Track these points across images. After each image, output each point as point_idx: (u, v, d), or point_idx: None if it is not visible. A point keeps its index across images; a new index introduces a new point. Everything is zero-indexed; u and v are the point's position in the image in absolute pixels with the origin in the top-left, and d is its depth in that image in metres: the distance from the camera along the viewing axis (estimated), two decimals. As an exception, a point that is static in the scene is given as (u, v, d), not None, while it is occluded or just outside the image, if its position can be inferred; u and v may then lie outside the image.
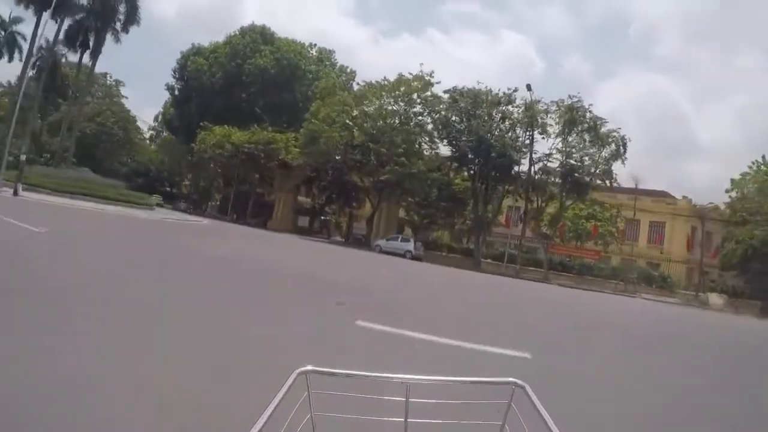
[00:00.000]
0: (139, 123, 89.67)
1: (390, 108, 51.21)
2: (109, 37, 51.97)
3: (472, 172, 49.31)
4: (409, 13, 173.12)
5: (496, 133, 46.57)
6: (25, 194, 28.93)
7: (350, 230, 59.72)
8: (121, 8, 50.33)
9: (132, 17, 50.80)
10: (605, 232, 52.56)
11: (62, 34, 52.21)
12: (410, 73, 50.74)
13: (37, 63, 75.02)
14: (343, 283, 14.57)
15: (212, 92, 67.99)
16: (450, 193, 50.49)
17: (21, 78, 49.42)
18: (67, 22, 51.15)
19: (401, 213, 58.02)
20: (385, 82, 51.08)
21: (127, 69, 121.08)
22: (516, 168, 48.23)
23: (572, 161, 45.68)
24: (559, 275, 44.49)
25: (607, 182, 46.94)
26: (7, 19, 65.13)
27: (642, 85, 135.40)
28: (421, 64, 57.84)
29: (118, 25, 51.54)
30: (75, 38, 52.63)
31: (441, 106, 49.74)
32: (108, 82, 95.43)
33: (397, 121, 51.42)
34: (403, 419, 1.48)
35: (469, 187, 51.51)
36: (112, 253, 12.71)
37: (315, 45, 77.09)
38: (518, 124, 48.17)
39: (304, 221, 63.01)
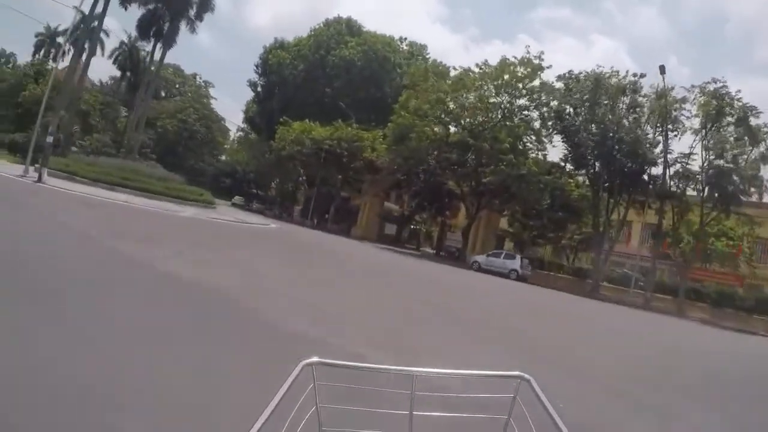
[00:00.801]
0: (227, 124, 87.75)
1: (492, 100, 43.61)
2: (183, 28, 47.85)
3: (591, 175, 40.92)
4: (500, 19, 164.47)
5: (625, 125, 37.97)
6: (53, 181, 24.53)
7: (442, 242, 52.31)
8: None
9: (206, 4, 46.20)
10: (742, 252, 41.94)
11: (135, 25, 48.55)
12: (514, 57, 42.99)
13: (119, 57, 74.38)
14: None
15: (294, 86, 62.95)
16: (565, 200, 42.21)
17: (85, 64, 46.23)
18: (139, 12, 47.59)
19: (501, 224, 50.30)
20: (486, 68, 43.53)
21: (222, 78, 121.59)
22: (648, 171, 39.48)
23: (722, 163, 36.19)
24: (693, 305, 36.03)
25: (756, 190, 37.11)
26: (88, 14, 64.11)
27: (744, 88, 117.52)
28: (528, 46, 48.87)
29: (192, 13, 47.02)
30: (148, 29, 48.83)
31: (552, 96, 41.60)
32: (198, 82, 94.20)
33: (499, 116, 43.82)
34: (408, 411, 1.44)
35: (584, 194, 43.12)
36: None
37: (405, 39, 70.42)
38: (649, 117, 39.29)
39: (391, 229, 56.36)
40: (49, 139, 26.15)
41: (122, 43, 75.47)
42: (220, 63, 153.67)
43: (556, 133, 42.45)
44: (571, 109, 40.58)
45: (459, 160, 42.77)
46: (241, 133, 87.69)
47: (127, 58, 77.43)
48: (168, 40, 48.37)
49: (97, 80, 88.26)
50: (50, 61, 77.88)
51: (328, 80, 60.86)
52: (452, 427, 1.77)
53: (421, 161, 44.96)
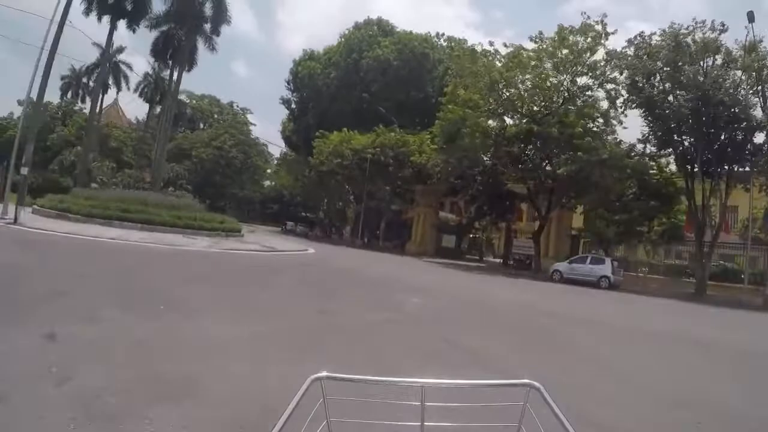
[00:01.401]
0: (272, 149, 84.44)
1: (552, 80, 37.38)
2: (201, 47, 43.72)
3: (680, 153, 34.00)
4: (533, 17, 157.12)
5: (724, 86, 30.93)
6: (38, 220, 20.68)
7: (508, 250, 45.91)
8: (207, 8, 41.38)
9: (220, 16, 41.92)
10: None
11: (150, 48, 44.96)
12: (572, 27, 36.76)
13: (145, 90, 72.06)
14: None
15: (328, 97, 58.06)
16: (654, 186, 35.46)
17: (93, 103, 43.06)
18: (153, 35, 43.84)
19: (573, 222, 43.77)
20: (541, 43, 37.40)
21: (263, 107, 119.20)
22: (752, 140, 32.29)
23: None
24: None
25: None
26: (111, 49, 61.81)
27: None
28: (583, 13, 41.58)
29: (207, 27, 42.82)
30: (164, 51, 45.06)
31: (623, 65, 34.83)
32: (235, 109, 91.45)
33: (560, 99, 37.58)
34: (419, 423, 1.44)
35: (670, 178, 36.41)
36: None
37: (443, 34, 64.49)
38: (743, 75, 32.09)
39: (449, 241, 50.45)
40: (24, 170, 21.95)
41: (147, 75, 73.51)
42: (261, 93, 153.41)
43: (633, 108, 35.59)
44: (643, 80, 33.87)
45: (521, 154, 36.84)
46: (279, 156, 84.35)
47: (153, 90, 75.40)
48: (187, 60, 44.38)
49: (134, 117, 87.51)
50: (78, 101, 76.71)
51: (364, 85, 55.77)
52: None
53: (476, 161, 39.20)
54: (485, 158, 40.16)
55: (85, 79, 75.66)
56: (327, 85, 58.49)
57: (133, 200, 28.36)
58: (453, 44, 63.89)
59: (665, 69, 32.70)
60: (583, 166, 31.86)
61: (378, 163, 44.86)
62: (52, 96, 79.68)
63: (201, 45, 43.96)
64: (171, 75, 47.18)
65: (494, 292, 18.98)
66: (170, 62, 45.50)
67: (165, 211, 27.17)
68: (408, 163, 43.90)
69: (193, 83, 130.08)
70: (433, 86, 55.58)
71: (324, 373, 1.37)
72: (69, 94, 76.80)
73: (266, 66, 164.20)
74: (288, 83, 66.17)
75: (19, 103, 77.11)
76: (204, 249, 20.98)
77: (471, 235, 53.70)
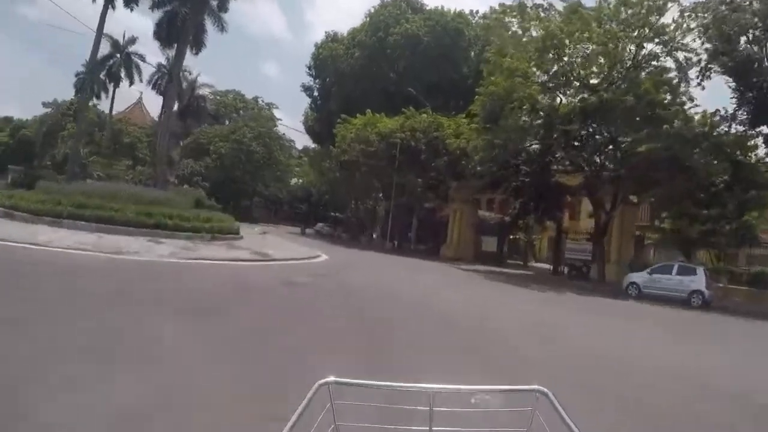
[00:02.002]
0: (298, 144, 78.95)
1: (612, 46, 30.12)
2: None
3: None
4: None
5: None
6: None
7: (560, 254, 38.67)
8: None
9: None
10: None
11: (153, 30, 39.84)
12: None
13: (158, 81, 67.25)
14: None
15: (353, 79, 51.52)
16: (751, 171, 28.13)
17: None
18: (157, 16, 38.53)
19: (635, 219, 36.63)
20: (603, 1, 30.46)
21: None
22: None
23: None
24: None
25: None
26: (122, 41, 57.48)
27: None
28: None
29: (215, 4, 37.27)
30: (169, 33, 39.54)
31: (702, 20, 27.60)
32: (260, 104, 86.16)
33: (623, 70, 30.41)
34: (427, 428, 1.44)
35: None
36: None
37: (477, 12, 57.38)
38: None
39: (490, 243, 43.49)
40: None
41: (160, 66, 68.55)
42: (291, 92, 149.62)
43: (717, 75, 28.21)
44: (736, 36, 26.50)
45: (579, 136, 30.08)
46: (301, 150, 78.83)
47: (168, 82, 70.32)
48: (193, 40, 38.80)
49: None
50: (94, 98, 72.60)
51: (391, 64, 49.26)
52: None
53: (521, 146, 32.63)
54: (533, 142, 33.57)
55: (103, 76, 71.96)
56: (350, 66, 52.05)
57: (99, 194, 22.94)
58: (490, 19, 56.92)
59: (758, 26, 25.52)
60: (671, 143, 24.78)
61: (408, 149, 38.33)
62: (67, 93, 76.27)
63: (210, 26, 38.63)
64: (176, 57, 41.55)
65: (606, 342, 11.78)
66: (176, 46, 39.92)
67: (133, 208, 21.40)
68: (443, 150, 37.30)
69: (223, 85, 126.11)
70: (469, 66, 48.83)
71: (331, 378, 1.35)
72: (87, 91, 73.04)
73: (295, 65, 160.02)
74: (309, 68, 60.25)
75: (44, 105, 74.44)
76: (156, 259, 15.14)
77: (512, 236, 46.52)
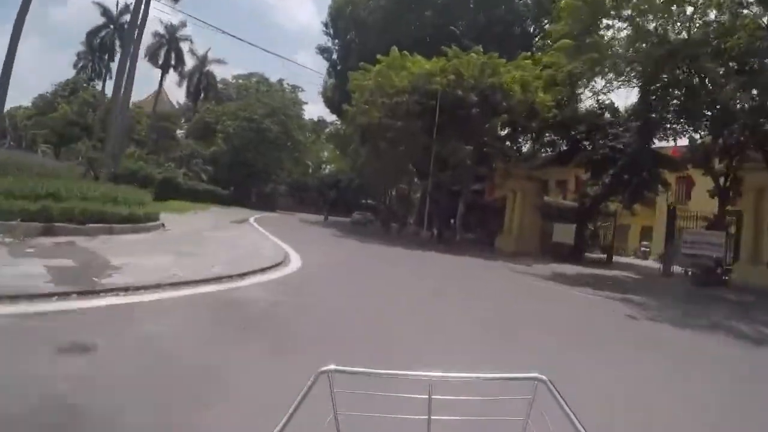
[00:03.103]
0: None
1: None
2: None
3: None
4: None
5: None
6: None
7: (671, 249, 26.96)
8: None
9: None
10: None
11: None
12: None
13: (157, 53, 60.06)
14: None
15: (375, 30, 40.56)
16: None
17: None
18: None
19: None
20: None
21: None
22: None
23: None
24: None
25: None
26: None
27: None
28: None
29: None
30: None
31: None
32: (284, 86, 76.00)
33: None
34: (426, 416, 1.44)
35: None
36: None
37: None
38: None
39: (565, 232, 31.81)
40: None
41: (159, 35, 59.98)
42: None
43: None
44: None
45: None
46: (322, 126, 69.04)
47: (167, 52, 61.74)
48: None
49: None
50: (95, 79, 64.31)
51: (423, 5, 38.42)
52: (471, 430, 1.73)
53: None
54: (633, 82, 23.27)
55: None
56: (372, 12, 41.51)
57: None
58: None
59: None
60: None
61: (452, 104, 27.56)
62: (67, 73, 68.67)
63: None
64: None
65: None
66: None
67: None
68: (502, 103, 26.56)
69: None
70: (527, 5, 37.85)
71: (332, 366, 1.36)
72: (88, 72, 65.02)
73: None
74: (326, 26, 50.26)
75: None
76: None
77: (591, 225, 35.13)
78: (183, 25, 64.01)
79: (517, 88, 26.07)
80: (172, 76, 69.02)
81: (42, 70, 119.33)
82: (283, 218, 41.46)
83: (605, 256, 32.96)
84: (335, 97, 48.95)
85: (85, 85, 63.44)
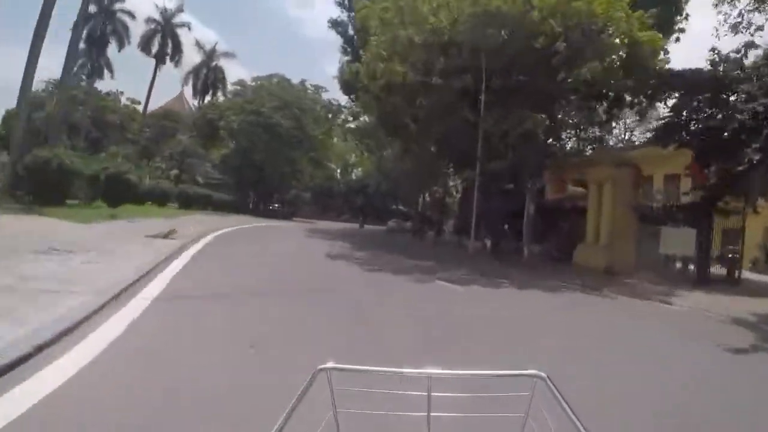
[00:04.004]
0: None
1: None
2: None
3: None
4: None
5: None
6: None
7: None
8: None
9: None
10: None
11: None
12: None
13: (150, 41, 54.25)
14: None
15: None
16: None
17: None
18: None
19: None
20: None
21: None
22: None
23: None
24: None
25: None
26: None
27: None
28: None
29: None
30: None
31: None
32: (306, 86, 68.03)
33: None
34: (425, 413, 1.43)
35: None
36: None
37: None
38: None
39: (675, 240, 21.80)
40: None
41: (153, 21, 53.64)
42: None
43: None
44: None
45: None
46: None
47: (162, 39, 55.25)
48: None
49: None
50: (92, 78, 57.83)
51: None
52: (470, 427, 1.71)
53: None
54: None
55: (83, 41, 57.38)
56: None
57: None
58: None
59: None
60: None
61: (509, 47, 17.96)
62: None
63: None
64: None
65: None
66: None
67: None
68: (588, 47, 17.30)
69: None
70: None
71: (330, 364, 1.35)
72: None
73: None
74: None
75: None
76: None
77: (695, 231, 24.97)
78: (180, 10, 58.44)
79: (619, 36, 16.73)
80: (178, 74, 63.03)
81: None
82: (275, 233, 28.76)
83: (726, 271, 23.15)
84: (351, 85, 40.28)
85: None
